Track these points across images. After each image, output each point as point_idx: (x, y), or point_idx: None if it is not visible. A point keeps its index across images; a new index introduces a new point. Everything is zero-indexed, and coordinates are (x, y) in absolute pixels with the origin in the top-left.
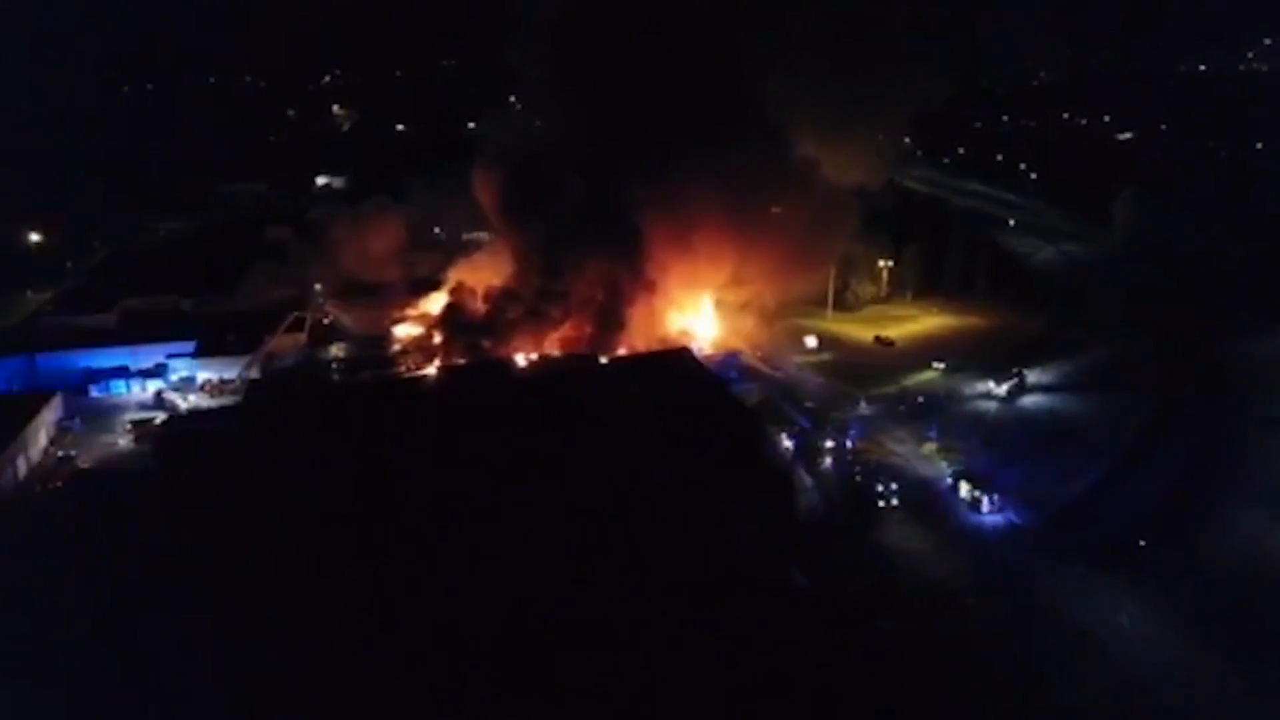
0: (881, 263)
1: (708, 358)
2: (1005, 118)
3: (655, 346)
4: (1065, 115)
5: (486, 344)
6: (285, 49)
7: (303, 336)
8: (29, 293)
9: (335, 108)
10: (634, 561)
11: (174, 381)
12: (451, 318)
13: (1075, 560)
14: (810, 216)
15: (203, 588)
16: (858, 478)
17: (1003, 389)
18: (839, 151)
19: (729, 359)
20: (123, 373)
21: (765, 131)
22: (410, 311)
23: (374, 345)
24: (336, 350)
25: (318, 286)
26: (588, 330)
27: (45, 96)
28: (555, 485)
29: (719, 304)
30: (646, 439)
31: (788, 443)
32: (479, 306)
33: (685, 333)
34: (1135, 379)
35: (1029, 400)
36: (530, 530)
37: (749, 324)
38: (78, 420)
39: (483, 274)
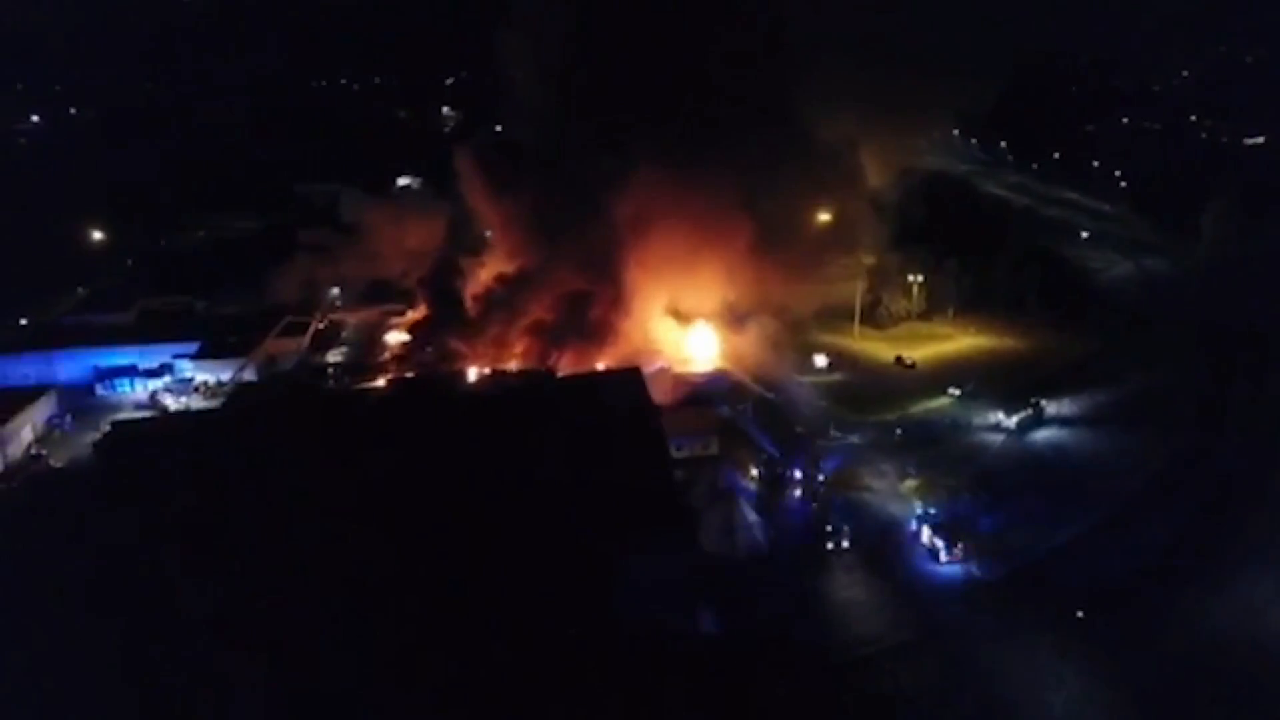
0: (911, 277)
1: (687, 376)
2: (1126, 119)
3: (627, 362)
4: (1194, 117)
5: (441, 356)
6: (416, 48)
7: (304, 340)
8: (79, 289)
9: (445, 109)
10: (504, 588)
11: (168, 382)
12: (417, 326)
13: (1028, 623)
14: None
15: (123, 592)
16: (815, 515)
17: (1013, 421)
18: (874, 146)
19: (714, 378)
20: (130, 372)
21: (785, 125)
22: (398, 319)
23: (369, 351)
24: (334, 356)
25: (335, 290)
26: (544, 345)
27: (148, 94)
28: (439, 510)
29: (720, 319)
30: (536, 468)
31: (754, 471)
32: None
33: (656, 349)
34: (1170, 416)
35: (1042, 434)
36: (412, 553)
37: (751, 340)
38: (68, 419)
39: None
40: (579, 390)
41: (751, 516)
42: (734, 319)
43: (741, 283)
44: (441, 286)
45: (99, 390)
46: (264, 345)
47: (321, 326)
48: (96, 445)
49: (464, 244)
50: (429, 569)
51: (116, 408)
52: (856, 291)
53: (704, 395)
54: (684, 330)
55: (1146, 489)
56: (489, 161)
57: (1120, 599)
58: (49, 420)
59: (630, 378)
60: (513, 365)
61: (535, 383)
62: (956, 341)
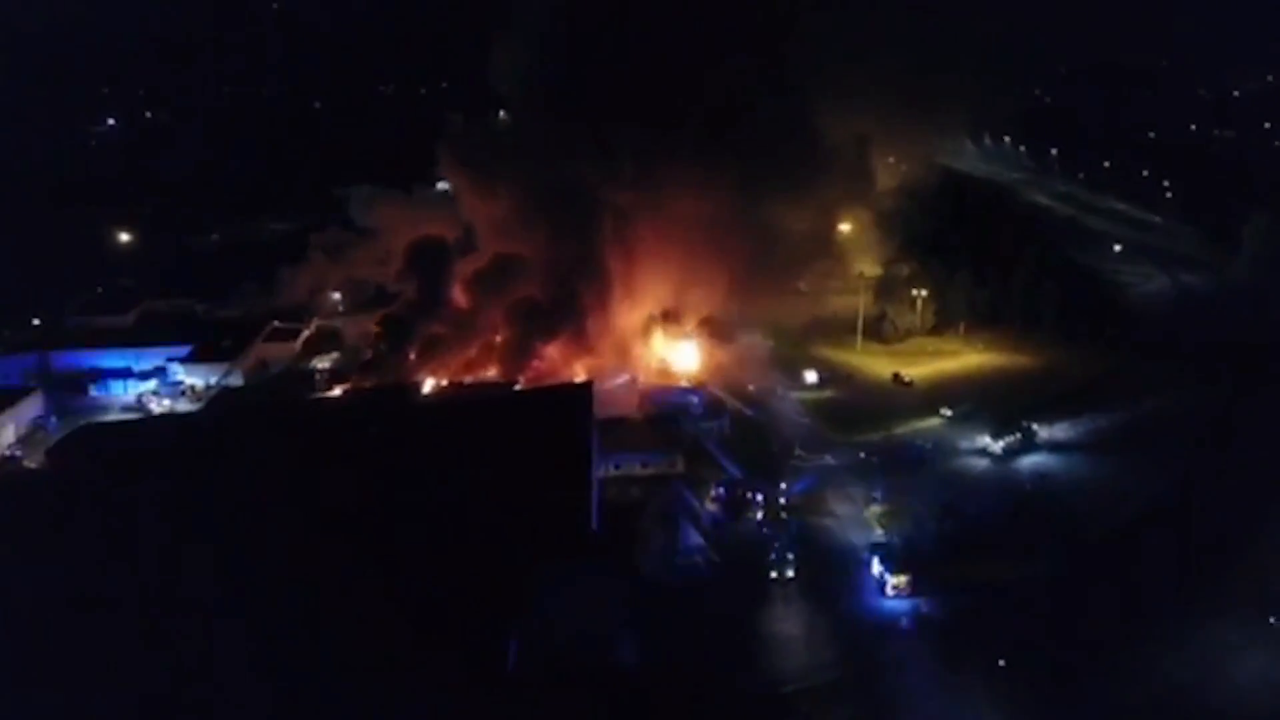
0: (916, 291)
1: (660, 390)
2: (1194, 126)
3: (600, 372)
4: (1267, 125)
5: (398, 366)
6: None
7: (296, 345)
8: (98, 290)
9: (500, 113)
10: (400, 606)
11: (155, 385)
12: (383, 334)
13: (965, 667)
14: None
15: (66, 592)
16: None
17: (999, 445)
18: (886, 147)
19: (688, 393)
20: (125, 374)
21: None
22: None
23: (357, 356)
24: (324, 361)
25: (335, 295)
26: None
27: (218, 98)
28: (349, 523)
29: (707, 330)
30: (452, 486)
31: (714, 492)
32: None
33: (633, 360)
34: (1173, 445)
35: (1029, 460)
36: (311, 566)
37: (738, 353)
38: (53, 419)
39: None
40: (520, 406)
41: (695, 540)
42: (723, 330)
43: (729, 292)
44: (424, 280)
45: (92, 391)
46: (253, 350)
47: (310, 332)
48: (49, 451)
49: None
50: (323, 582)
51: (106, 409)
52: (859, 304)
53: (676, 410)
54: (669, 341)
55: (1126, 524)
56: (473, 155)
57: (1073, 644)
58: (34, 420)
59: (578, 393)
60: (487, 371)
61: (480, 397)
62: (962, 358)
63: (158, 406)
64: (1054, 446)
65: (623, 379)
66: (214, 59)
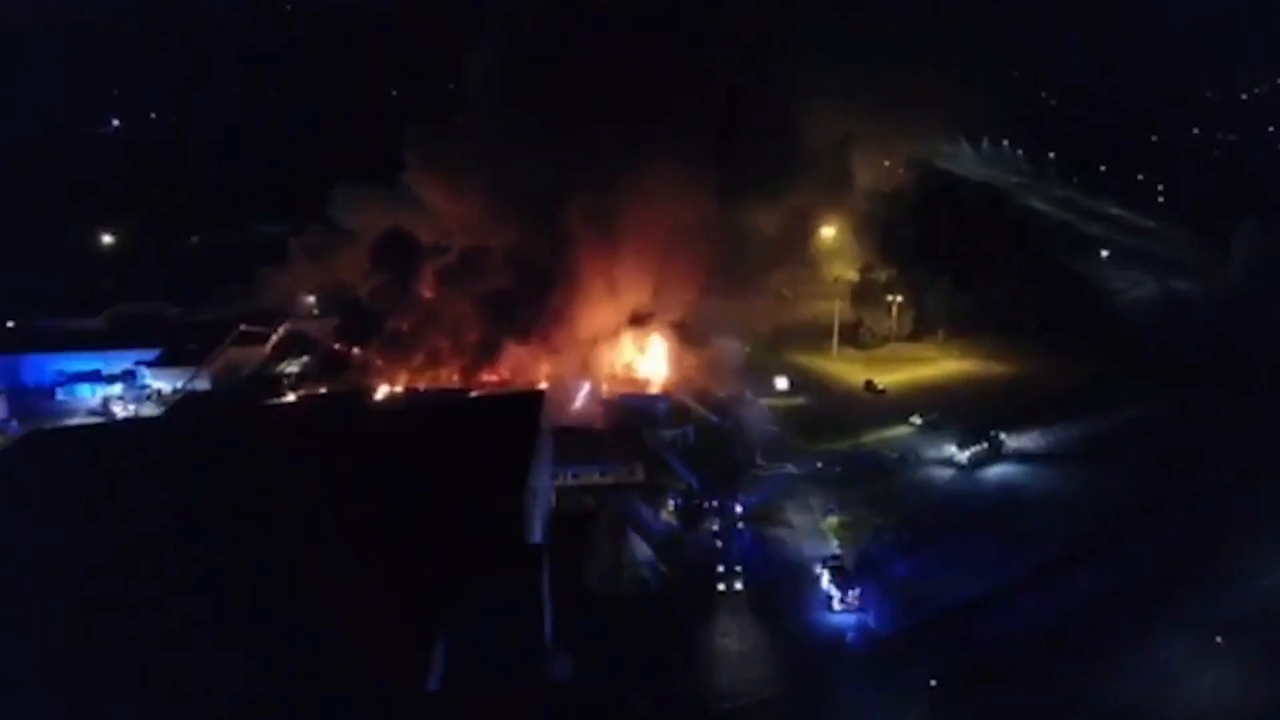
0: (891, 297)
1: (623, 396)
2: (1196, 130)
3: (560, 379)
4: (1270, 129)
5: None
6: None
7: (265, 349)
8: (67, 291)
9: (463, 115)
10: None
11: (120, 389)
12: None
13: (906, 683)
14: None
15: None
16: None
17: (965, 455)
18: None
19: (652, 399)
20: (93, 377)
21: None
22: None
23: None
24: (291, 365)
25: (310, 298)
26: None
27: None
28: (283, 533)
29: (677, 335)
30: (385, 496)
31: (671, 503)
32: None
33: (596, 365)
34: (1146, 456)
35: (995, 471)
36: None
37: (707, 359)
38: (14, 422)
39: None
40: (466, 414)
41: (642, 553)
42: (694, 335)
43: (702, 295)
44: (390, 275)
45: (59, 395)
46: (221, 354)
47: (280, 335)
48: None
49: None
50: (237, 593)
51: (72, 413)
52: (835, 310)
53: (638, 417)
54: (637, 345)
55: (1087, 539)
56: (440, 158)
57: (1019, 662)
58: None
59: (527, 402)
60: (448, 371)
61: (428, 404)
62: (939, 366)
63: (122, 410)
64: (1022, 457)
65: (583, 386)
66: (222, 60)
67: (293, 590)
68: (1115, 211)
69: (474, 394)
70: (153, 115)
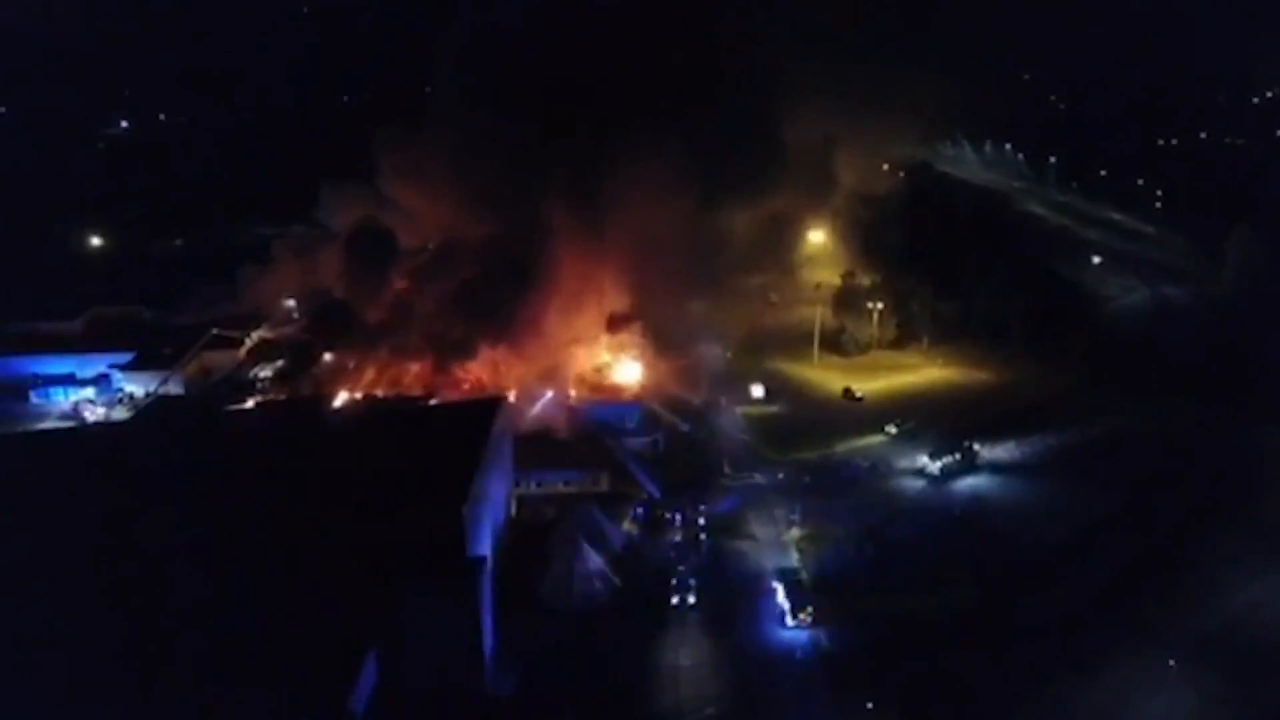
0: (872, 304)
1: (592, 402)
2: (1204, 134)
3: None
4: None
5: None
6: None
7: (239, 353)
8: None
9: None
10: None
11: (91, 393)
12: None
13: (851, 707)
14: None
15: None
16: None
17: (936, 466)
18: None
19: (620, 407)
20: (68, 380)
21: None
22: None
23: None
24: (264, 369)
25: (290, 301)
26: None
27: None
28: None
29: (650, 341)
30: (326, 509)
31: (634, 512)
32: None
33: (565, 371)
34: (1124, 468)
35: (966, 482)
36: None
37: (682, 365)
38: None
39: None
40: (419, 422)
41: (595, 565)
42: (670, 340)
43: (682, 300)
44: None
45: (33, 398)
46: (193, 358)
47: (250, 340)
48: None
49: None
50: (166, 603)
51: (44, 417)
52: (816, 316)
53: (606, 425)
54: (611, 351)
55: (1055, 555)
56: (407, 152)
57: (971, 682)
58: None
59: (483, 409)
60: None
61: (384, 411)
62: (921, 374)
63: (92, 415)
64: (995, 468)
65: (548, 393)
66: (235, 63)
67: (217, 603)
68: (1115, 216)
69: (433, 401)
70: (161, 116)
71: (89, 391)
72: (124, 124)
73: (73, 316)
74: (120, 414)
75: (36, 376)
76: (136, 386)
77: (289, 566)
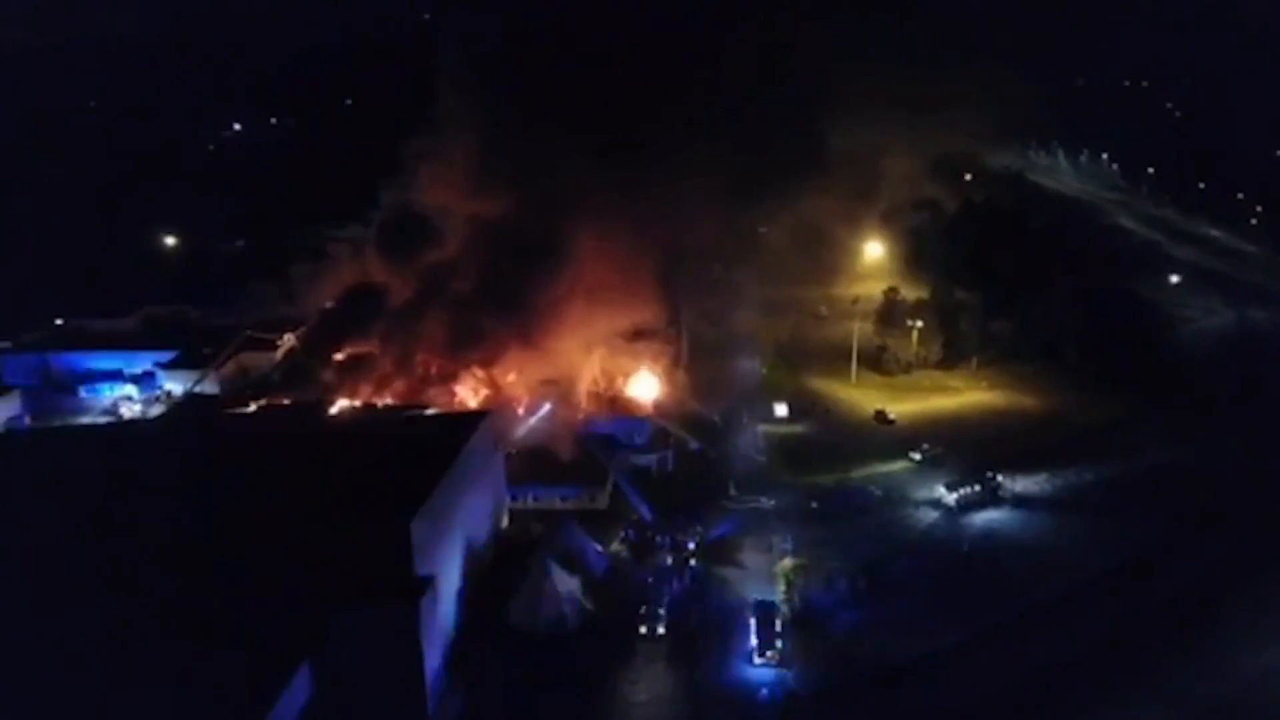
0: (911, 322)
1: (599, 417)
2: None
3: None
4: None
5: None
6: None
7: (276, 354)
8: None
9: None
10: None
11: (131, 390)
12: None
13: None
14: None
15: None
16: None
17: (953, 498)
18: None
19: (627, 423)
20: (117, 377)
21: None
22: None
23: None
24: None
25: (330, 304)
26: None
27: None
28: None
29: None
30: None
31: (624, 535)
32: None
33: (570, 383)
34: (1158, 508)
35: (983, 516)
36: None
37: (703, 380)
38: (26, 419)
39: None
40: (400, 434)
41: (565, 588)
42: (705, 350)
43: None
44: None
45: (82, 393)
46: (229, 359)
47: (281, 342)
48: None
49: None
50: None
51: (87, 412)
52: (855, 332)
53: (610, 440)
54: (629, 363)
55: (1062, 600)
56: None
57: None
58: (8, 420)
59: (464, 423)
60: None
61: (371, 421)
62: (962, 396)
63: (129, 411)
64: (1019, 501)
65: (545, 406)
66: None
67: (151, 613)
68: (1212, 233)
69: (429, 412)
70: (273, 121)
71: (130, 389)
72: (236, 126)
73: (128, 314)
74: (156, 410)
75: (89, 371)
76: (176, 385)
77: (240, 573)
